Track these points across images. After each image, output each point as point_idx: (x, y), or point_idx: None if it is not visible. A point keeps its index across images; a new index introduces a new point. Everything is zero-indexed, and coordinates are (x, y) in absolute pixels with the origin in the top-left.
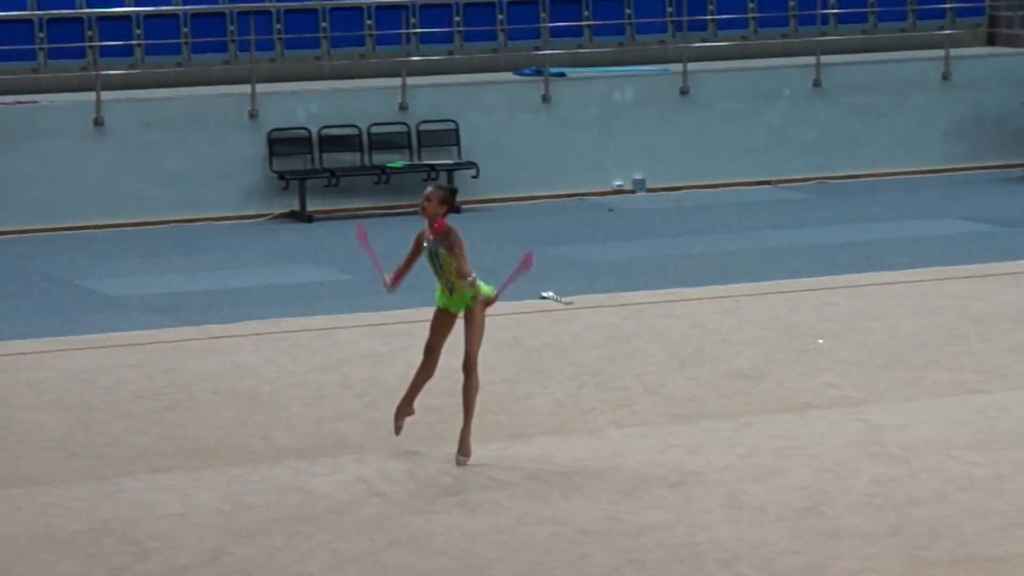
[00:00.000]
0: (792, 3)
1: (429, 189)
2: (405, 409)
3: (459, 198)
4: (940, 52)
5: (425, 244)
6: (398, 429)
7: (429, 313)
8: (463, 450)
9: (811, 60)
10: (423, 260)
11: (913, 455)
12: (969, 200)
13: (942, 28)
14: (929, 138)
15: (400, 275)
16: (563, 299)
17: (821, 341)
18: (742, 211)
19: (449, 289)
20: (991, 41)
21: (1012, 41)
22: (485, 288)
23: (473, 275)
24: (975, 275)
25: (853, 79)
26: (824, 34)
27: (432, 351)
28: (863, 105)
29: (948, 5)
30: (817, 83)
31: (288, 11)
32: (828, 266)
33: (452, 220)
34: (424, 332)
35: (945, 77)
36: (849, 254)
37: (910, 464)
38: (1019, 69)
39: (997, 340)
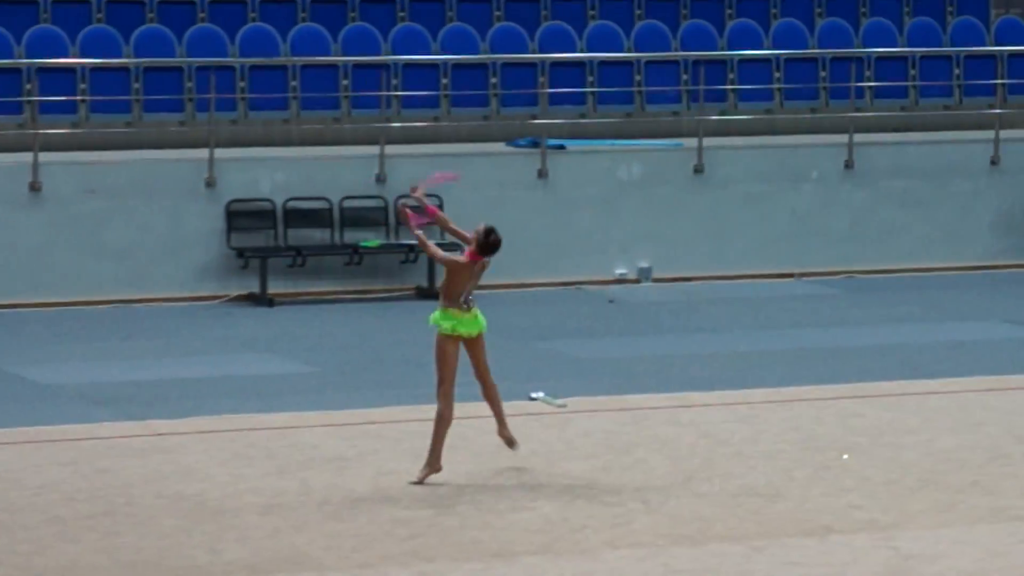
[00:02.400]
0: (823, 74)
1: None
2: (435, 467)
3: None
4: (989, 133)
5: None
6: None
7: (400, 415)
8: (512, 443)
9: (843, 139)
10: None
11: None
12: (1018, 301)
13: (992, 107)
14: (974, 230)
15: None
16: (555, 401)
17: (846, 457)
18: (761, 307)
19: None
20: None
21: None
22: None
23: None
24: (1014, 387)
25: (890, 161)
26: (858, 109)
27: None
28: (900, 191)
29: (999, 81)
30: (849, 164)
31: (253, 68)
32: (856, 372)
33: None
34: (395, 434)
35: (994, 162)
36: (880, 359)
37: None
38: None
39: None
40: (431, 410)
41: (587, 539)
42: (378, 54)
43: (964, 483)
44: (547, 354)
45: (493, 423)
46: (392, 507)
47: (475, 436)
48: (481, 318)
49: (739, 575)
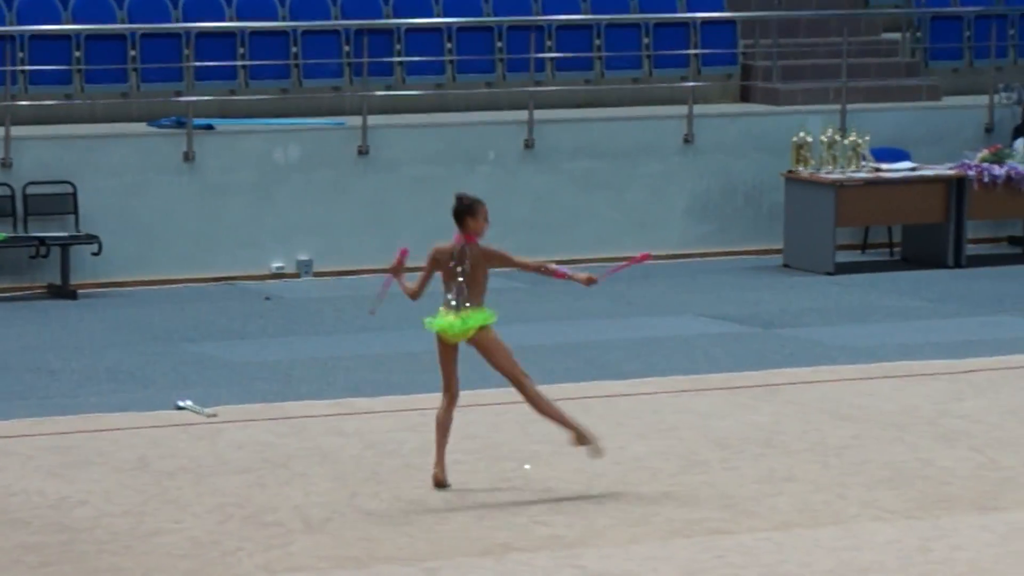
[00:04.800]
0: (499, 44)
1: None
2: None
3: (76, 279)
4: (682, 109)
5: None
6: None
7: (30, 428)
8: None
9: (522, 115)
10: None
11: None
12: (715, 294)
13: (685, 80)
14: (666, 215)
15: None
16: (205, 411)
17: (528, 467)
18: (433, 303)
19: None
20: (745, 97)
21: (770, 97)
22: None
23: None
24: (720, 387)
25: (573, 140)
26: (538, 84)
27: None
28: (585, 172)
29: (692, 51)
30: (529, 144)
31: None
32: (538, 372)
33: None
34: (24, 450)
35: (687, 140)
36: (565, 358)
37: None
38: (778, 131)
39: (745, 468)
40: (65, 421)
41: (240, 563)
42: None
43: (657, 494)
44: (196, 357)
45: (134, 437)
46: (21, 531)
47: (115, 451)
48: (459, 319)
49: None
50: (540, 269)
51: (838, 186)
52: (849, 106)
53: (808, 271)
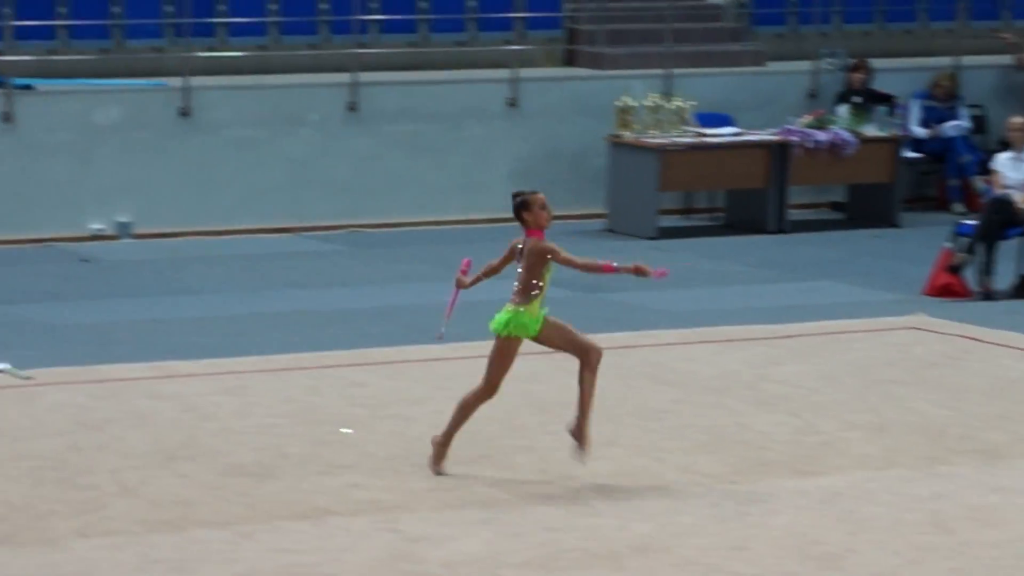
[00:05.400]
0: (324, 6)
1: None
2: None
3: None
4: (506, 73)
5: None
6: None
7: None
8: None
9: (345, 78)
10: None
11: (455, 575)
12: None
13: (509, 43)
14: (491, 179)
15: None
16: (21, 373)
17: (348, 431)
18: (254, 265)
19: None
20: (570, 61)
21: (595, 61)
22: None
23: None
24: (541, 351)
25: (397, 103)
26: (362, 46)
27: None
28: (409, 136)
29: (517, 15)
30: (353, 107)
31: None
32: (359, 337)
33: None
34: None
35: (512, 104)
36: (386, 322)
37: None
38: (603, 95)
39: (565, 433)
40: None
41: (54, 527)
42: None
43: (476, 457)
44: (12, 319)
45: None
46: None
47: None
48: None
49: (224, 563)
50: (589, 267)
51: (662, 151)
52: (674, 71)
53: (632, 236)
